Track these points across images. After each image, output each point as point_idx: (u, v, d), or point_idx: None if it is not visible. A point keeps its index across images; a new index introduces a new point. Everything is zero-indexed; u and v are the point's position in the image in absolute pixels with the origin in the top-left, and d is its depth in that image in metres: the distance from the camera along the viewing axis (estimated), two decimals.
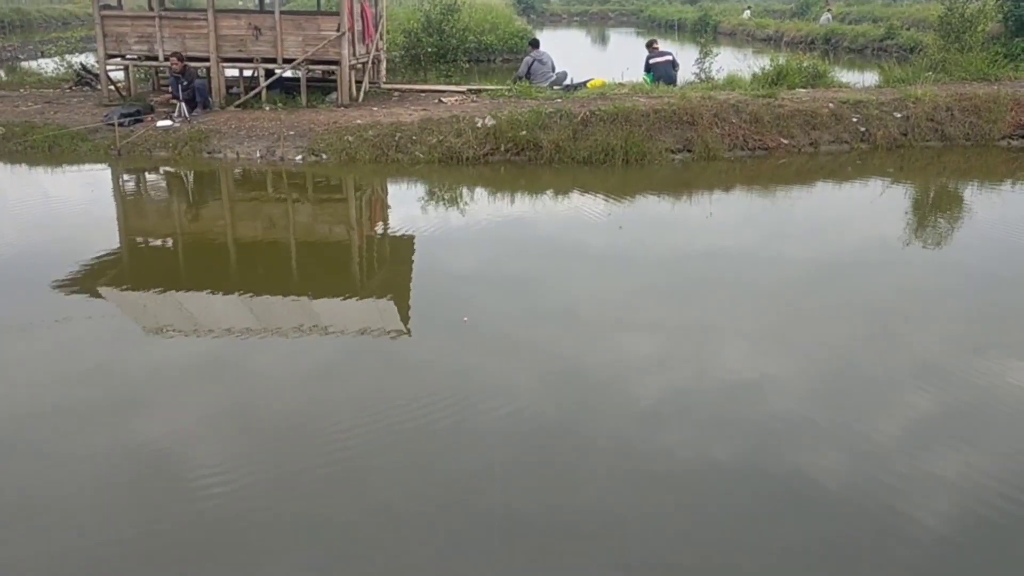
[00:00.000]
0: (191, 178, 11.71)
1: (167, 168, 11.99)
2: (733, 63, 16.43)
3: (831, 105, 13.06)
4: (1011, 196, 10.86)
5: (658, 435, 4.98)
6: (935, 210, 10.38)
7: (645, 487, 4.51)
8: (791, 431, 5.03)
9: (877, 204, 10.37)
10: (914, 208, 10.39)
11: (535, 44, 16.50)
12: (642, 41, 23.30)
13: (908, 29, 29.48)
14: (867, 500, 4.36)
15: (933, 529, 4.14)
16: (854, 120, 12.91)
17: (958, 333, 6.49)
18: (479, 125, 12.15)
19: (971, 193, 11.05)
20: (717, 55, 16.90)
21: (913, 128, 12.89)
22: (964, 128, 12.98)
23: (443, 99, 14.26)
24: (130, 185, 11.56)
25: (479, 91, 14.87)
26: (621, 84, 14.82)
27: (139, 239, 9.29)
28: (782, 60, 15.43)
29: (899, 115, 13.02)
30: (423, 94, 15.28)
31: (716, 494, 4.46)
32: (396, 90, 15.79)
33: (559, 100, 13.05)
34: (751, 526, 4.20)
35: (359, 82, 14.70)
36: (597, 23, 54.31)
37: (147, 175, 11.87)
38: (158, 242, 9.21)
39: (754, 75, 14.84)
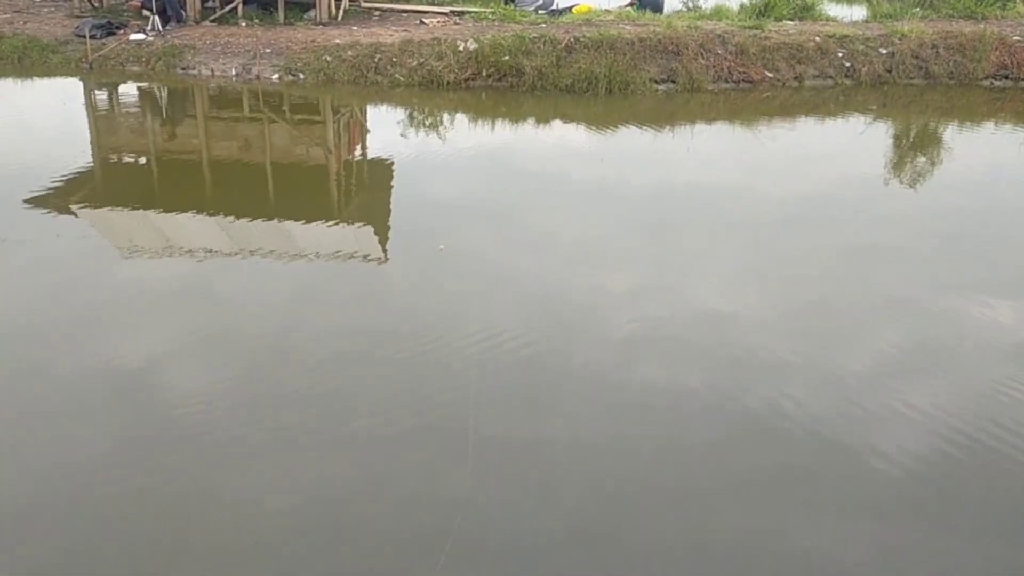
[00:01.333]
0: (165, 95, 11.46)
1: (140, 84, 11.71)
2: None
3: (817, 39, 12.91)
4: (991, 137, 10.87)
5: (633, 363, 5.05)
6: (915, 149, 10.39)
7: (619, 413, 4.59)
8: (763, 363, 5.11)
9: (858, 141, 10.36)
10: (894, 146, 10.39)
11: None
12: None
13: None
14: (834, 432, 4.46)
15: (898, 462, 4.25)
16: (839, 55, 12.79)
17: (931, 270, 6.56)
18: (461, 49, 11.92)
19: (952, 133, 11.04)
20: None
21: (898, 65, 12.80)
22: (948, 66, 12.90)
23: (425, 20, 13.94)
24: (102, 100, 11.29)
25: (462, 13, 14.54)
26: (607, 10, 14.54)
27: (112, 156, 9.11)
28: None
29: (884, 51, 12.91)
30: (404, 14, 14.92)
31: (688, 421, 4.54)
32: (377, 9, 15.39)
33: (543, 25, 12.81)
34: (721, 453, 4.30)
35: (339, 0, 14.32)
36: None
37: (119, 90, 11.59)
38: (131, 160, 9.05)
39: (742, 5, 14.60)
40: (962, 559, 3.69)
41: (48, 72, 11.84)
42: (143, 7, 13.05)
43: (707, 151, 9.73)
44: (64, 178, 7.90)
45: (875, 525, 3.85)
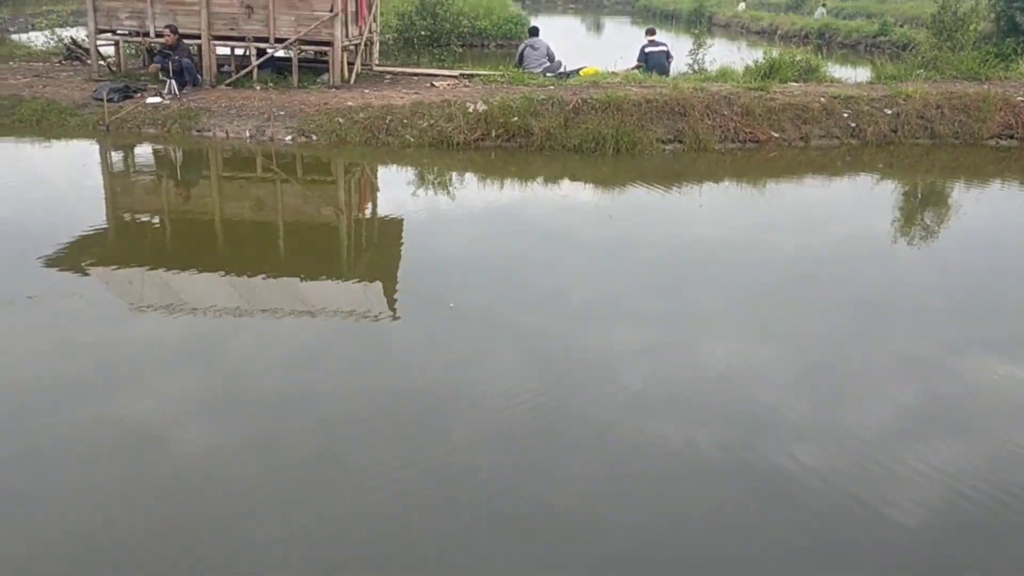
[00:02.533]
0: (179, 156, 11.65)
1: (156, 145, 11.92)
2: (727, 55, 16.46)
3: (823, 100, 13.08)
4: (999, 195, 10.92)
5: (643, 423, 5.01)
6: (923, 207, 10.44)
7: (629, 475, 4.54)
8: (776, 422, 5.06)
9: (866, 200, 10.42)
10: (902, 204, 10.44)
11: (534, 32, 16.36)
12: (636, 30, 23.26)
13: (901, 26, 29.52)
14: (850, 493, 4.40)
15: (915, 522, 4.18)
16: (845, 115, 12.94)
17: (944, 328, 6.54)
18: (470, 110, 12.12)
19: (959, 191, 11.10)
20: (711, 47, 16.90)
21: (903, 125, 12.93)
22: (954, 126, 13.03)
23: (435, 83, 14.21)
24: (118, 161, 11.48)
25: (471, 76, 14.82)
26: (614, 73, 14.80)
27: (126, 216, 9.24)
28: (775, 53, 15.43)
29: (889, 112, 13.06)
30: (415, 77, 15.22)
31: (700, 483, 4.49)
32: (388, 73, 15.73)
33: (551, 87, 13.02)
34: (734, 516, 4.24)
35: (351, 64, 14.63)
36: (592, 10, 54.13)
37: (135, 152, 11.79)
38: (145, 219, 9.17)
39: (747, 68, 14.83)
40: None
41: (66, 134, 12.06)
42: (160, 71, 13.36)
43: (715, 209, 9.79)
44: (79, 237, 7.99)
45: None
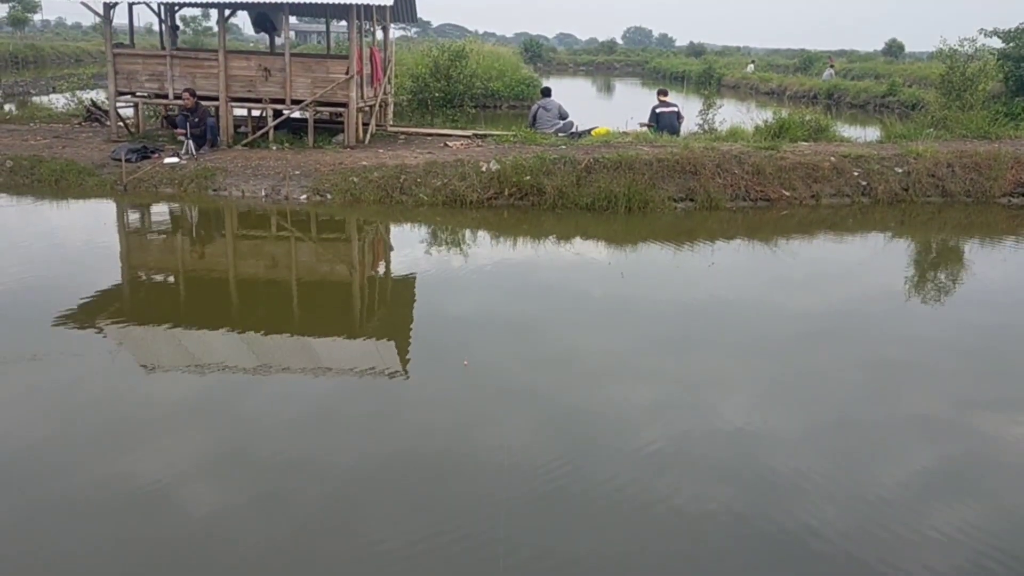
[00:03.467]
0: (196, 215, 11.77)
1: (172, 204, 12.06)
2: (736, 115, 16.60)
3: (833, 159, 13.16)
4: (1012, 253, 10.89)
5: (656, 487, 4.93)
6: (936, 265, 10.41)
7: (642, 539, 4.46)
8: (790, 485, 4.98)
9: (878, 258, 10.40)
10: (915, 263, 10.42)
11: (546, 93, 16.62)
12: (646, 92, 23.58)
13: (910, 86, 29.85)
14: (866, 555, 4.30)
15: None
16: (855, 174, 13.00)
17: (958, 388, 6.46)
18: (483, 169, 12.24)
19: (972, 249, 11.08)
20: (720, 107, 17.09)
21: (914, 183, 12.98)
22: (965, 184, 13.07)
23: (448, 143, 14.39)
24: (135, 220, 11.61)
25: (484, 136, 15.02)
26: (625, 133, 14.97)
27: (142, 275, 9.30)
28: (784, 114, 15.60)
29: (900, 170, 13.12)
30: (429, 138, 15.43)
31: (714, 549, 4.40)
32: (402, 133, 15.96)
33: (563, 147, 13.16)
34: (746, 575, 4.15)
35: (366, 124, 14.86)
36: (603, 73, 54.99)
37: (152, 211, 11.93)
38: (160, 278, 9.23)
39: (757, 127, 14.98)
40: None
41: (84, 194, 12.23)
42: (178, 132, 13.58)
43: (727, 267, 9.79)
44: (94, 296, 8.04)
45: None
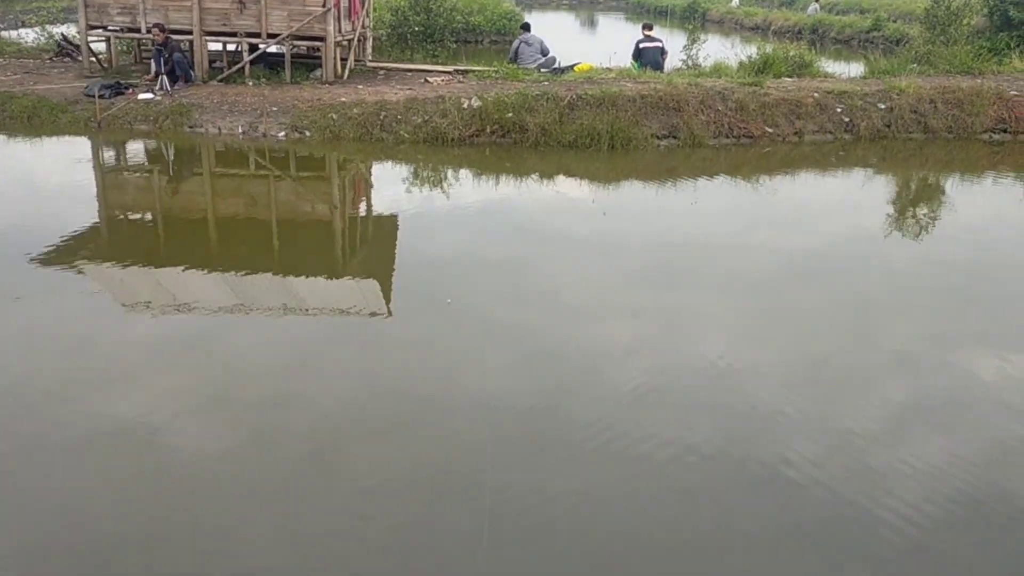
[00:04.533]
0: (172, 152, 11.59)
1: (148, 142, 11.86)
2: (720, 51, 16.42)
3: (816, 95, 13.08)
4: (992, 189, 10.94)
5: (638, 419, 5.00)
6: (917, 202, 10.45)
7: (624, 470, 4.53)
8: (770, 418, 5.06)
9: (859, 195, 10.43)
10: (896, 200, 10.45)
11: (526, 28, 16.40)
12: (631, 27, 23.24)
13: (894, 21, 29.54)
14: (843, 487, 4.40)
15: (907, 517, 4.18)
16: (838, 110, 12.94)
17: (937, 324, 6.54)
18: (465, 106, 12.08)
19: (952, 186, 11.12)
20: (705, 42, 16.86)
21: (896, 120, 12.94)
22: (947, 121, 13.05)
23: (429, 79, 14.16)
24: (110, 158, 11.42)
25: (466, 72, 14.78)
26: (608, 69, 14.77)
27: (119, 213, 9.19)
28: (769, 49, 15.43)
29: (883, 106, 13.07)
30: (409, 73, 15.17)
31: (694, 479, 4.48)
32: (382, 68, 15.67)
33: (546, 83, 12.99)
34: (728, 511, 4.23)
35: (344, 59, 14.57)
36: (586, 7, 54.05)
37: (127, 148, 11.73)
38: (138, 217, 9.12)
39: (741, 63, 14.83)
40: None
41: (57, 131, 11.99)
42: (157, 73, 13.24)
43: (709, 205, 9.79)
44: (71, 235, 7.94)
45: None
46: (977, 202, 10.38)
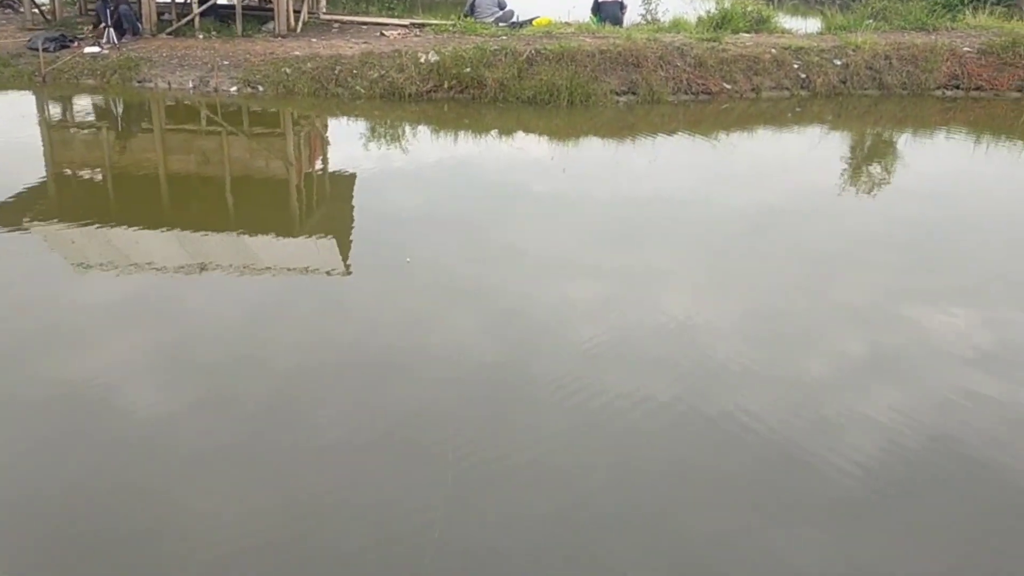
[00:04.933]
0: (120, 108, 11.29)
1: (95, 97, 11.53)
2: (679, 5, 16.32)
3: (773, 51, 13.10)
4: (944, 145, 11.10)
5: (598, 375, 5.04)
6: (871, 158, 10.57)
7: (585, 425, 4.57)
8: (726, 372, 5.13)
9: (815, 152, 10.51)
10: (851, 156, 10.56)
11: None
12: None
13: None
14: (797, 436, 4.49)
15: (859, 464, 4.29)
16: (795, 66, 12.98)
17: (888, 278, 6.64)
18: (422, 61, 11.90)
19: (906, 142, 11.26)
20: None
21: (852, 76, 13.03)
22: (901, 77, 13.16)
23: (385, 32, 13.91)
24: (57, 114, 11.09)
25: (422, 25, 14.53)
26: (567, 23, 14.63)
27: (67, 171, 8.95)
28: (727, 4, 15.37)
29: (839, 63, 13.13)
30: (364, 26, 14.88)
31: (653, 431, 4.54)
32: (336, 21, 15.34)
33: (504, 37, 12.84)
34: (686, 462, 4.31)
35: (297, 11, 14.24)
36: None
37: (74, 104, 11.39)
38: (87, 175, 8.89)
39: (699, 18, 14.78)
40: (918, 563, 3.73)
41: (0, 86, 11.60)
42: (99, 20, 12.85)
43: (668, 162, 9.81)
44: (17, 194, 7.72)
45: (836, 529, 3.88)
46: (930, 158, 10.53)
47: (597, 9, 15.11)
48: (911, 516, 4.01)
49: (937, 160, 10.45)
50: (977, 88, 13.25)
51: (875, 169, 9.98)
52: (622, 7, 15.19)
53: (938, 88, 13.29)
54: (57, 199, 8.05)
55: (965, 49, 13.60)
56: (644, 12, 16.08)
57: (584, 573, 3.60)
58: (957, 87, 13.33)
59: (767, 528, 3.89)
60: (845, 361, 5.33)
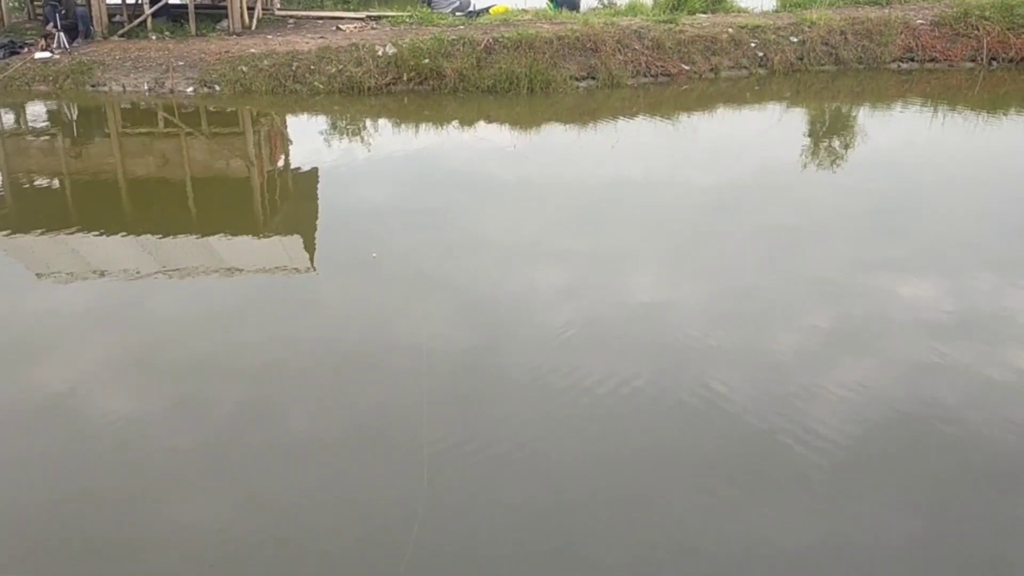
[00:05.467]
0: (75, 113, 11.10)
1: (49, 103, 11.33)
2: None
3: (730, 30, 13.18)
4: (900, 117, 11.24)
5: (572, 362, 5.05)
6: (830, 133, 10.68)
7: (559, 412, 4.60)
8: (697, 350, 5.18)
9: (775, 129, 10.61)
10: (811, 132, 10.66)
11: None
12: None
13: None
14: (768, 411, 4.55)
15: (830, 436, 4.35)
16: (752, 45, 13.07)
17: (852, 250, 6.72)
18: (380, 54, 11.83)
19: (864, 115, 11.39)
20: None
21: (809, 52, 13.14)
22: (857, 52, 13.30)
23: (341, 26, 13.79)
24: (9, 122, 10.88)
25: (379, 18, 14.44)
26: (524, 10, 14.60)
27: (23, 179, 8.79)
28: None
29: (795, 40, 13.25)
30: (320, 21, 14.75)
31: (627, 413, 4.58)
32: (291, 17, 15.19)
33: (462, 27, 12.79)
34: (661, 444, 4.35)
35: (251, 8, 14.08)
36: None
37: (27, 111, 11.19)
38: (44, 182, 8.74)
39: (656, 1, 14.82)
40: (891, 531, 3.80)
41: None
42: (48, 24, 12.61)
43: (630, 146, 9.84)
44: None
45: (811, 502, 3.94)
46: (888, 131, 10.65)
47: None
48: (883, 484, 4.08)
49: (895, 132, 10.58)
50: (931, 60, 13.42)
51: (835, 144, 10.09)
52: None
53: (893, 61, 13.45)
54: (15, 208, 7.92)
55: (919, 21, 13.77)
56: None
57: (563, 559, 3.63)
58: (912, 60, 13.49)
59: (743, 503, 3.94)
60: (813, 334, 5.40)
